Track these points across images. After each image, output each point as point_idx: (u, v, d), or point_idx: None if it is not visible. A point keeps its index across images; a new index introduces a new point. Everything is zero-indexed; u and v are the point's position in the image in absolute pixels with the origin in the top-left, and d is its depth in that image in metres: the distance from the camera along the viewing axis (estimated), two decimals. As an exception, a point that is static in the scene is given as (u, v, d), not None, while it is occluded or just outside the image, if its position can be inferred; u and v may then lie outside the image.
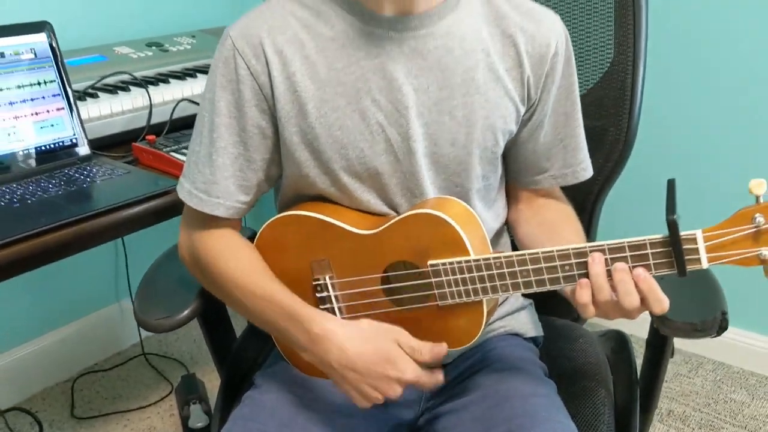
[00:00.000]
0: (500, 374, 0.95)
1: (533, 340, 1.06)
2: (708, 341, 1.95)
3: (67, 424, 1.88)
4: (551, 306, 1.14)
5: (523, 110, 0.94)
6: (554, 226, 0.99)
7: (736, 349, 1.95)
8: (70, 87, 1.40)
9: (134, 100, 1.54)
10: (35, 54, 1.36)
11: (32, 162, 1.33)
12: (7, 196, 1.21)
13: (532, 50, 0.92)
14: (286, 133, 0.91)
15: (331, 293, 0.91)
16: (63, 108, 1.38)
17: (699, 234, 0.74)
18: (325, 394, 0.95)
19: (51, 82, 1.37)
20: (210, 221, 0.95)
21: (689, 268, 0.75)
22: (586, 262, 0.78)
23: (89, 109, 1.47)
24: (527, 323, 1.05)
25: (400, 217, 0.87)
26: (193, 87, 1.65)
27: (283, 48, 0.89)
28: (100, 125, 1.47)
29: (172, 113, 1.54)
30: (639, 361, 1.07)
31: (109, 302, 2.16)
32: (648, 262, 0.77)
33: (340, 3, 0.89)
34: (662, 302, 0.77)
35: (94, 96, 1.52)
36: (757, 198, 0.73)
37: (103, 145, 1.47)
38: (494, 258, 0.82)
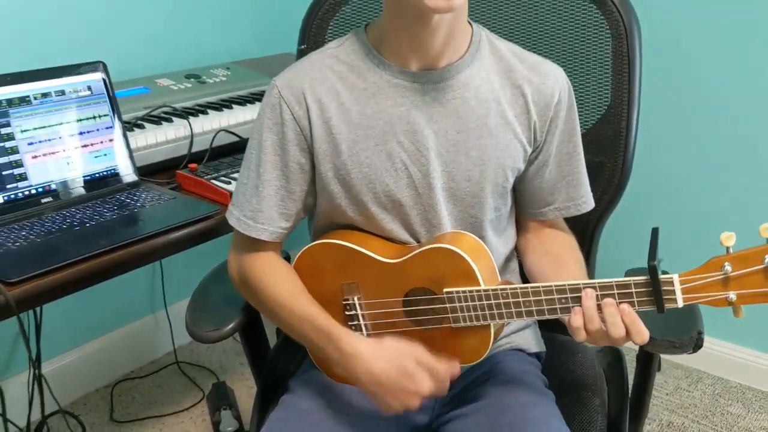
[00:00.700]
0: (504, 385, 1.07)
1: (536, 355, 1.19)
2: (709, 357, 2.08)
3: (107, 428, 2.01)
4: (555, 323, 1.27)
5: (530, 150, 1.08)
6: (558, 257, 1.11)
7: (735, 364, 2.06)
8: (121, 120, 1.55)
9: (176, 130, 1.68)
10: (91, 91, 1.51)
11: (88, 188, 1.48)
12: (68, 220, 1.36)
13: (538, 99, 1.05)
14: (322, 169, 1.05)
15: (359, 312, 1.05)
16: (114, 139, 1.53)
17: (676, 278, 0.87)
18: (352, 399, 1.08)
19: (105, 116, 1.52)
20: (255, 244, 1.09)
21: (667, 306, 0.88)
22: (580, 297, 0.92)
23: (137, 139, 1.61)
24: (530, 340, 1.18)
25: (421, 249, 1.01)
26: (230, 118, 1.79)
27: (321, 97, 1.03)
28: (147, 154, 1.62)
29: (211, 142, 1.69)
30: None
31: (144, 314, 2.30)
32: (632, 300, 0.90)
33: (372, 59, 1.03)
34: (642, 334, 0.90)
35: (140, 126, 1.67)
36: (727, 249, 0.85)
37: (149, 172, 1.61)
38: (501, 289, 0.95)
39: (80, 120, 1.49)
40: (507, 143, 1.05)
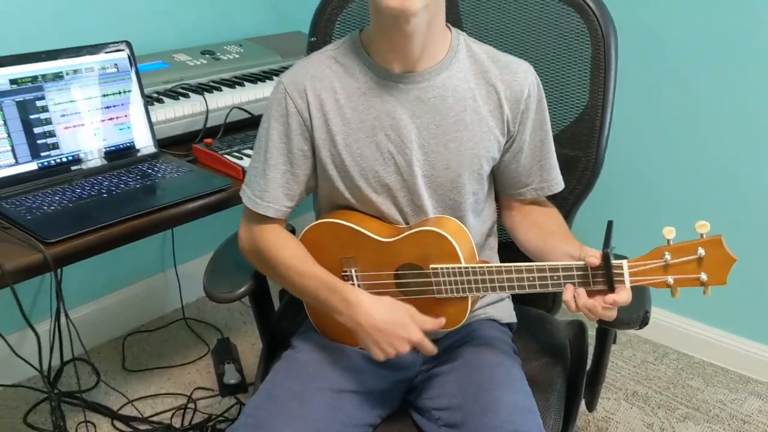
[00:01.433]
0: (477, 349, 1.24)
1: (508, 325, 1.35)
2: (675, 334, 2.25)
3: (120, 375, 2.18)
4: (528, 298, 1.43)
5: (503, 141, 1.22)
6: (543, 226, 1.27)
7: (699, 342, 2.22)
8: (143, 95, 1.69)
9: (193, 106, 1.82)
10: (117, 68, 1.65)
11: (112, 158, 1.62)
12: (96, 187, 1.51)
13: (510, 95, 1.20)
14: (321, 156, 1.20)
15: (356, 282, 1.21)
16: (137, 113, 1.68)
17: (625, 263, 1.02)
18: (346, 354, 1.24)
19: (129, 91, 1.66)
20: (263, 219, 1.24)
21: (617, 287, 1.03)
22: (544, 276, 1.07)
23: (157, 113, 1.75)
24: (503, 312, 1.34)
25: (411, 231, 1.16)
26: (242, 95, 1.92)
27: (320, 93, 1.18)
28: (166, 127, 1.76)
29: (225, 119, 1.83)
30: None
31: (155, 272, 2.46)
32: (589, 280, 1.05)
33: (363, 61, 1.18)
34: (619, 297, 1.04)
35: (160, 101, 1.81)
36: (668, 241, 1.00)
37: (166, 144, 1.75)
38: (479, 267, 1.11)
39: (107, 95, 1.63)
40: (481, 136, 1.19)
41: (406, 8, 1.04)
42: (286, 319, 1.43)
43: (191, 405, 2.04)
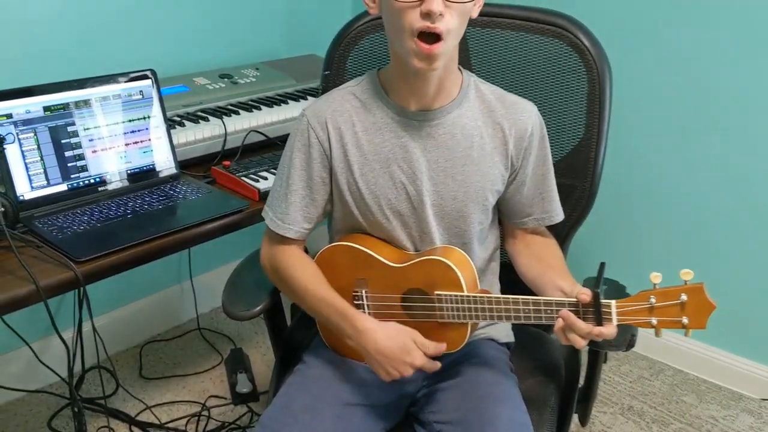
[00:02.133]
0: (477, 367, 1.33)
1: (506, 344, 1.44)
2: (671, 351, 2.33)
3: (137, 383, 2.28)
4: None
5: (507, 175, 1.32)
6: (542, 257, 1.36)
7: (694, 358, 2.31)
8: (166, 120, 1.79)
9: (212, 129, 1.92)
10: (142, 95, 1.75)
11: (137, 179, 1.72)
12: (122, 208, 1.61)
13: (514, 133, 1.29)
14: (339, 183, 1.30)
15: (365, 302, 1.30)
16: (160, 137, 1.78)
17: (613, 303, 1.11)
18: (354, 370, 1.33)
19: (153, 117, 1.77)
20: (284, 240, 1.34)
21: (604, 323, 1.12)
22: (539, 309, 1.16)
23: (178, 136, 1.85)
24: (502, 332, 1.43)
25: (420, 259, 1.26)
26: (258, 119, 2.02)
27: (340, 126, 1.28)
28: (187, 150, 1.86)
29: (243, 141, 1.93)
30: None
31: (172, 283, 2.56)
32: (580, 316, 1.13)
33: (381, 98, 1.28)
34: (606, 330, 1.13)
35: (182, 125, 1.91)
36: (654, 285, 1.09)
37: (187, 165, 1.85)
38: (479, 297, 1.21)
39: (132, 120, 1.73)
40: (487, 170, 1.29)
41: (434, 68, 1.15)
42: (298, 334, 1.53)
43: (205, 412, 2.14)
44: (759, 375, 2.21)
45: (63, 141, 1.61)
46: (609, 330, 1.12)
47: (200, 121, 1.95)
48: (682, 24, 2.10)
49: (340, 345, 1.36)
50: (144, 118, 1.75)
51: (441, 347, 1.23)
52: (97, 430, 2.05)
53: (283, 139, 1.97)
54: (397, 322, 1.27)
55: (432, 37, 1.12)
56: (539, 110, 1.35)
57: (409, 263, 1.27)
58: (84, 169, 1.65)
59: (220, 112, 2.01)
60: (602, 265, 1.15)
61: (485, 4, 1.44)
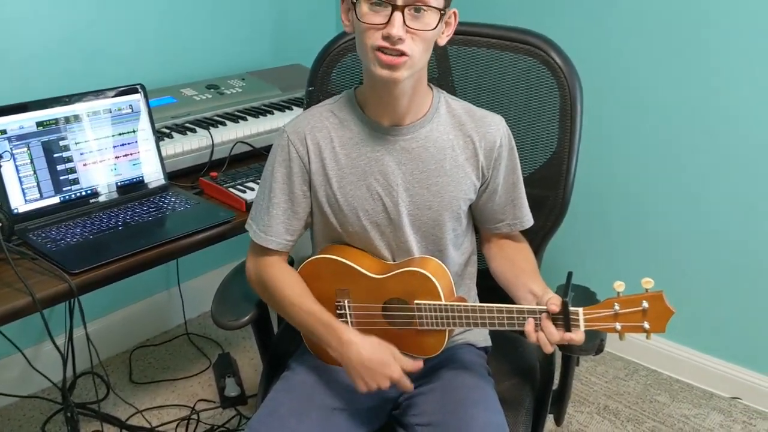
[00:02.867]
0: (456, 371, 1.40)
1: (484, 349, 1.51)
2: (646, 351, 2.41)
3: (127, 387, 2.33)
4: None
5: (479, 184, 1.39)
6: (515, 261, 1.43)
7: (667, 358, 2.39)
8: (155, 133, 1.84)
9: (200, 140, 1.98)
10: (132, 109, 1.81)
11: (127, 191, 1.78)
12: (114, 219, 1.66)
13: (484, 145, 1.36)
14: (318, 196, 1.36)
15: (347, 312, 1.37)
16: (149, 149, 1.83)
17: (581, 311, 1.18)
18: (338, 376, 1.39)
19: (142, 130, 1.82)
20: (267, 252, 1.40)
21: (573, 330, 1.19)
22: (512, 317, 1.23)
23: (167, 148, 1.90)
24: (479, 337, 1.50)
25: (399, 270, 1.32)
26: (245, 129, 2.08)
27: (319, 141, 1.34)
28: (175, 161, 1.91)
29: (230, 152, 1.99)
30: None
31: (160, 290, 2.61)
32: (551, 322, 1.20)
33: (357, 115, 1.34)
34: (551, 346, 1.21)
35: (170, 136, 1.96)
36: (618, 293, 1.16)
37: (175, 176, 1.91)
38: (456, 305, 1.27)
39: (122, 133, 1.78)
40: (459, 180, 1.36)
41: (395, 77, 1.21)
42: (284, 342, 1.59)
43: (194, 416, 2.19)
44: (729, 374, 2.30)
45: (55, 155, 1.66)
46: (578, 336, 1.19)
47: (188, 132, 2.00)
48: (649, 41, 2.19)
49: (324, 352, 1.42)
50: (133, 131, 1.81)
51: (418, 364, 1.30)
52: (88, 434, 2.10)
53: (268, 149, 2.04)
54: (379, 330, 1.33)
55: (394, 53, 1.19)
56: (515, 124, 1.41)
57: (388, 274, 1.33)
58: (76, 182, 1.70)
59: (207, 123, 2.06)
60: (570, 274, 1.22)
61: (466, 24, 1.51)
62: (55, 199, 1.66)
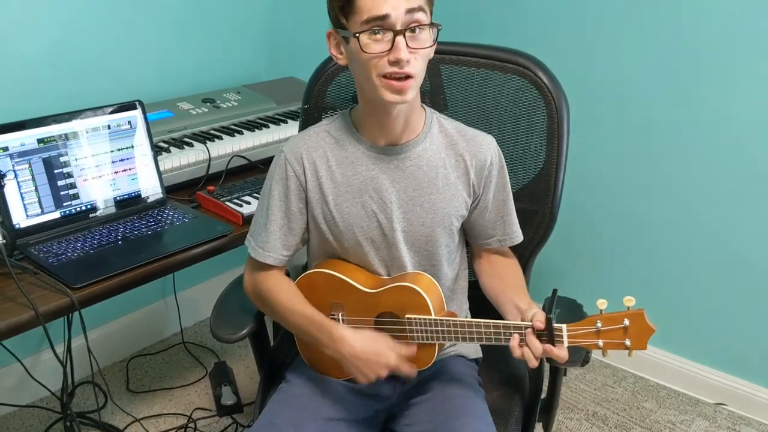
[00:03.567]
0: (447, 382, 1.44)
1: (475, 360, 1.56)
2: (633, 358, 2.45)
3: (125, 396, 2.37)
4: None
5: (470, 201, 1.44)
6: (503, 276, 1.48)
7: (654, 365, 2.44)
8: (153, 148, 1.88)
9: (197, 154, 2.02)
10: (130, 125, 1.85)
11: (126, 205, 1.82)
12: (113, 234, 1.70)
13: (475, 163, 1.41)
14: (315, 213, 1.41)
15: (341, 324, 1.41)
16: (147, 164, 1.87)
17: (564, 328, 1.22)
18: (334, 387, 1.44)
19: (140, 145, 1.86)
20: (264, 267, 1.44)
21: (557, 345, 1.23)
22: (498, 332, 1.27)
23: (165, 162, 1.94)
24: (471, 349, 1.55)
25: (392, 285, 1.37)
26: (241, 143, 2.13)
27: (315, 161, 1.39)
28: (173, 176, 1.95)
29: (227, 166, 2.03)
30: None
31: (156, 299, 2.65)
32: (535, 337, 1.25)
33: (352, 135, 1.39)
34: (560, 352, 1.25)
35: (167, 151, 2.00)
36: (601, 311, 1.20)
37: (173, 189, 1.95)
38: (446, 320, 1.32)
39: (121, 149, 1.83)
40: (451, 197, 1.41)
41: (405, 100, 1.26)
42: (280, 353, 1.63)
43: (191, 424, 2.23)
44: (714, 380, 2.35)
45: (56, 171, 1.70)
46: (561, 353, 1.23)
47: (185, 146, 2.04)
48: (634, 58, 2.25)
49: (320, 363, 1.46)
50: (132, 146, 1.85)
51: (412, 349, 1.33)
52: (87, 442, 2.14)
53: (264, 163, 2.09)
54: None
55: (402, 76, 1.24)
56: (504, 141, 1.46)
57: (381, 289, 1.38)
58: (76, 197, 1.74)
59: (204, 137, 2.10)
60: (554, 291, 1.27)
61: (458, 44, 1.56)
62: (56, 214, 1.70)
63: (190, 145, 2.06)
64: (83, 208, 1.75)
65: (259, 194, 1.49)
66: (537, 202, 1.62)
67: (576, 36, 2.35)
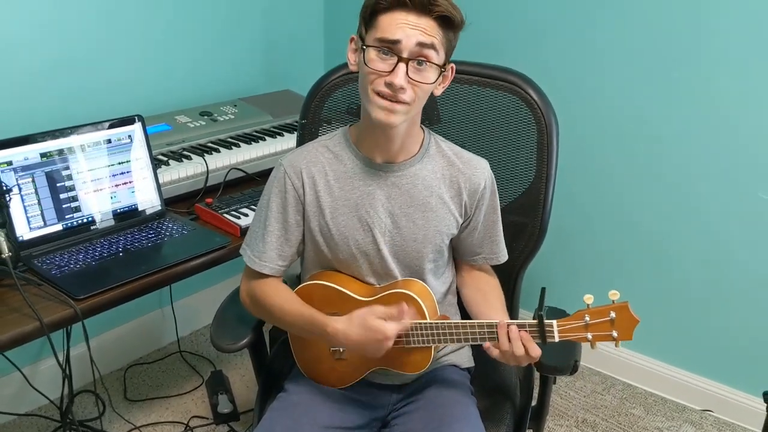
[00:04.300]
0: (440, 390, 1.48)
1: (467, 369, 1.60)
2: (623, 366, 2.51)
3: (122, 405, 2.39)
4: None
5: (461, 221, 1.49)
6: (485, 293, 1.54)
7: (642, 372, 2.50)
8: (152, 160, 1.93)
9: (195, 167, 2.06)
10: (131, 139, 1.89)
11: (126, 217, 1.86)
12: (114, 246, 1.74)
13: (469, 186, 1.46)
14: (311, 225, 1.45)
15: (338, 335, 1.45)
16: (147, 177, 1.92)
17: (555, 323, 1.28)
18: (330, 396, 1.48)
19: (140, 159, 1.90)
20: (261, 276, 1.48)
21: (548, 341, 1.29)
22: (493, 332, 1.32)
23: (164, 175, 1.98)
24: (463, 357, 1.60)
25: (385, 293, 1.41)
26: (238, 155, 2.17)
27: (314, 175, 1.44)
28: (172, 188, 2.00)
29: (225, 178, 2.08)
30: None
31: (153, 308, 2.68)
32: (524, 331, 1.31)
33: (351, 150, 1.44)
34: (535, 350, 1.30)
35: (166, 164, 2.05)
36: (588, 305, 1.26)
37: (172, 202, 1.99)
38: (440, 323, 1.36)
39: (121, 162, 1.87)
40: (443, 216, 1.46)
41: (391, 122, 1.31)
42: (277, 363, 1.67)
43: (189, 432, 2.27)
44: (700, 387, 2.40)
45: (58, 184, 1.74)
46: (534, 352, 1.30)
47: (183, 159, 2.09)
48: (621, 75, 2.31)
49: (316, 373, 1.51)
50: (132, 160, 1.89)
51: (402, 307, 1.34)
52: (86, 450, 2.17)
53: (260, 175, 2.14)
54: None
55: (393, 98, 1.29)
56: (495, 155, 1.51)
57: (376, 297, 1.42)
58: (77, 209, 1.78)
59: (202, 150, 2.15)
60: (543, 290, 1.33)
61: (452, 61, 1.61)
62: (58, 227, 1.74)
63: (189, 158, 2.10)
64: (85, 220, 1.79)
65: (256, 206, 1.53)
66: (527, 215, 1.67)
67: (566, 54, 2.41)
